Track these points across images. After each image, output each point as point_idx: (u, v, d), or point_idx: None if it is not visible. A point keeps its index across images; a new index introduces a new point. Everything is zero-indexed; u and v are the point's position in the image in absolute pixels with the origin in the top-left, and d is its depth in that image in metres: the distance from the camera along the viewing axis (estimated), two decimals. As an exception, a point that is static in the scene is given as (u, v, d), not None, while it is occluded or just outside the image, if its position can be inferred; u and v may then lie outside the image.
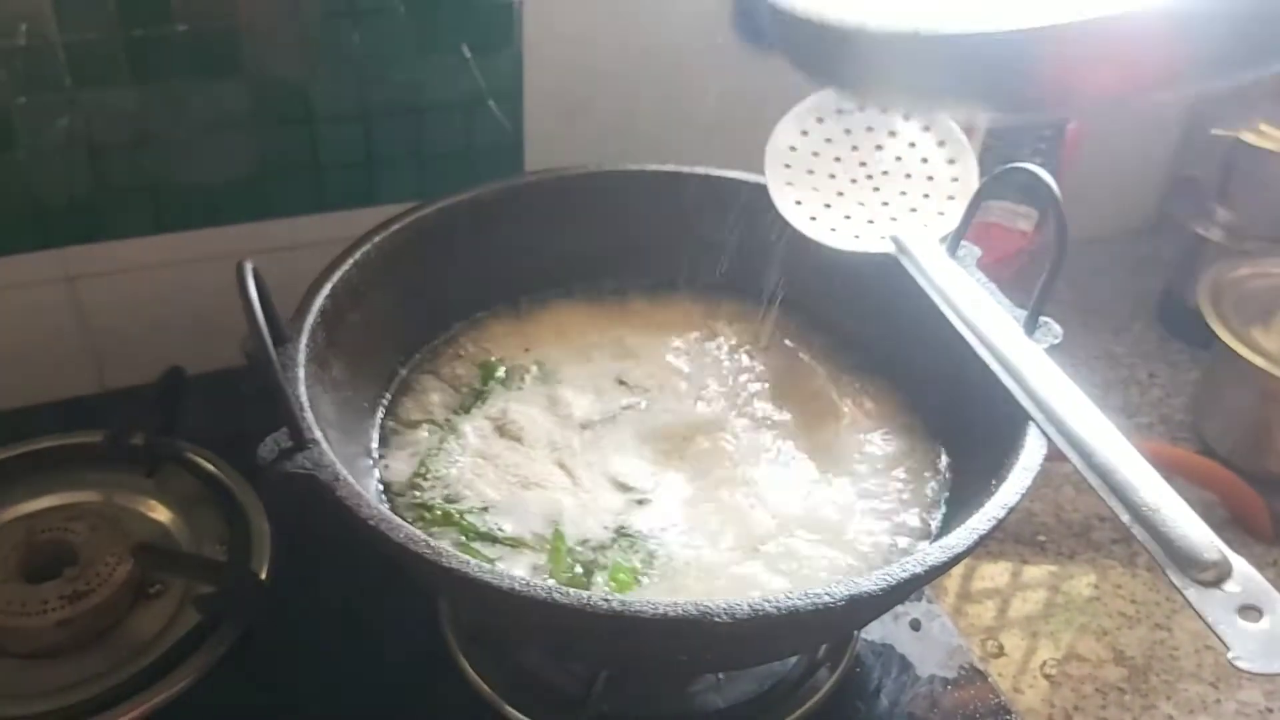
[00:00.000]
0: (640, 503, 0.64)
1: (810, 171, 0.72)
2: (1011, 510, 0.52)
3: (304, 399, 0.57)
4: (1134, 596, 0.82)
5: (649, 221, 0.78)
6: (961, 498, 0.62)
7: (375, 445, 0.67)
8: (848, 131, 0.73)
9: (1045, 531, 0.88)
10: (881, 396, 0.73)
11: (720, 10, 0.93)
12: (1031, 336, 0.61)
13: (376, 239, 0.70)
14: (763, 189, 0.72)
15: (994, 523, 0.51)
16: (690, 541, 0.61)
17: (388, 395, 0.71)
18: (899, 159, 0.72)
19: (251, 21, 0.79)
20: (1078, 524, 0.89)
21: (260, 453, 0.52)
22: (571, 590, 0.47)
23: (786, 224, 0.71)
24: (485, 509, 0.63)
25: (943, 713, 0.68)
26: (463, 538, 0.61)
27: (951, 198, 0.70)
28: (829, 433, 0.70)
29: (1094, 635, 0.79)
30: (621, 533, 0.62)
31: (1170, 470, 0.52)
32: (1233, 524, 0.88)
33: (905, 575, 0.49)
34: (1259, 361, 0.87)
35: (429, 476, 0.65)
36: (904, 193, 0.71)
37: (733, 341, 0.77)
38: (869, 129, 0.73)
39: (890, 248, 0.69)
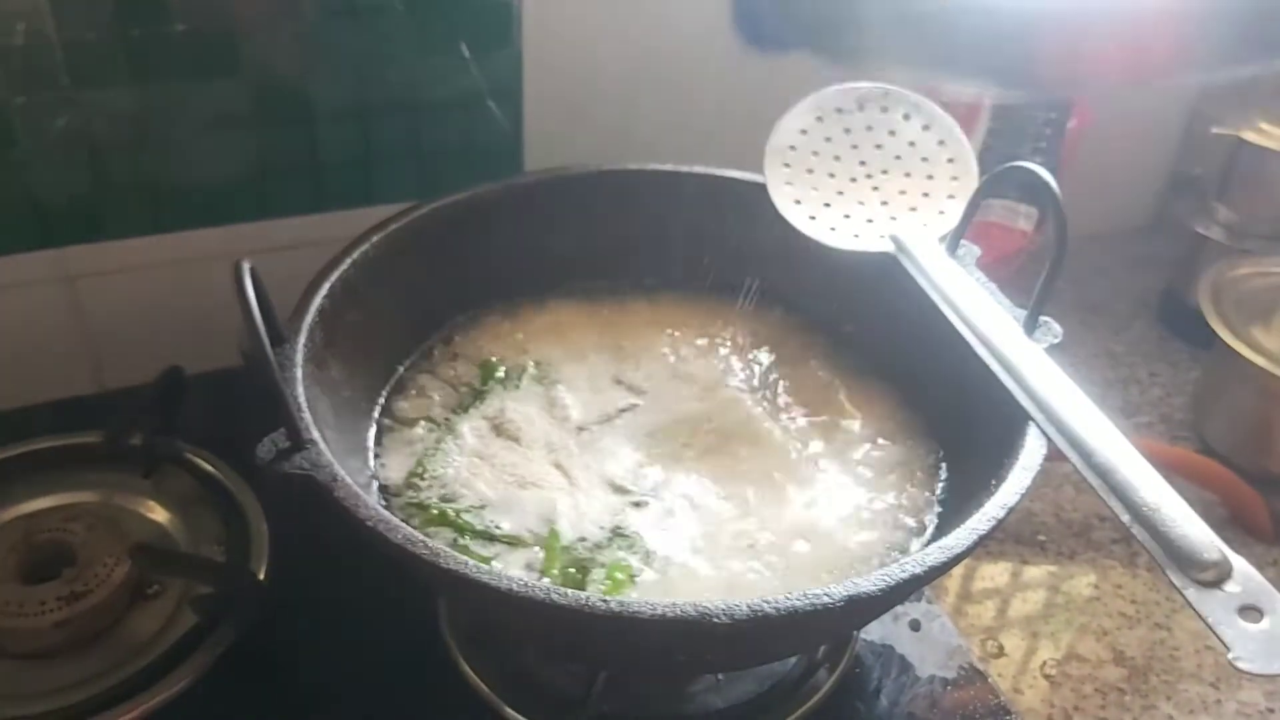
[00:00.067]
0: (637, 504, 0.64)
1: (810, 171, 0.72)
2: (1011, 510, 0.52)
3: (302, 399, 0.57)
4: (1134, 596, 0.82)
5: (648, 221, 0.78)
6: (961, 498, 0.62)
7: (373, 445, 0.67)
8: (847, 131, 0.73)
9: (1045, 531, 0.88)
10: (881, 396, 0.72)
11: (720, 10, 0.93)
12: (1031, 336, 0.60)
13: (375, 239, 0.70)
14: (762, 188, 0.72)
15: (994, 523, 0.51)
16: (687, 542, 0.61)
17: (385, 395, 0.71)
18: (898, 158, 0.72)
19: (250, 21, 0.79)
20: (1078, 524, 0.88)
21: (258, 453, 0.52)
22: (570, 591, 0.47)
23: (786, 223, 0.71)
24: (482, 507, 0.63)
25: (942, 713, 0.68)
26: (459, 537, 0.61)
27: (951, 197, 0.70)
28: (827, 432, 0.70)
29: (1094, 635, 0.79)
30: (618, 533, 0.62)
31: (1170, 470, 0.52)
32: (1233, 524, 0.88)
33: (904, 576, 0.49)
34: (1259, 361, 0.87)
35: (426, 476, 0.65)
36: (903, 192, 0.71)
37: (731, 342, 0.77)
38: (869, 128, 0.73)
39: (890, 247, 0.69)
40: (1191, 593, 0.46)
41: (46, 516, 0.73)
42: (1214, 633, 0.44)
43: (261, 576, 0.71)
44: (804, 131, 0.73)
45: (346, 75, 0.84)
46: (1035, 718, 0.73)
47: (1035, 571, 0.85)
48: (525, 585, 0.47)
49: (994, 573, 0.85)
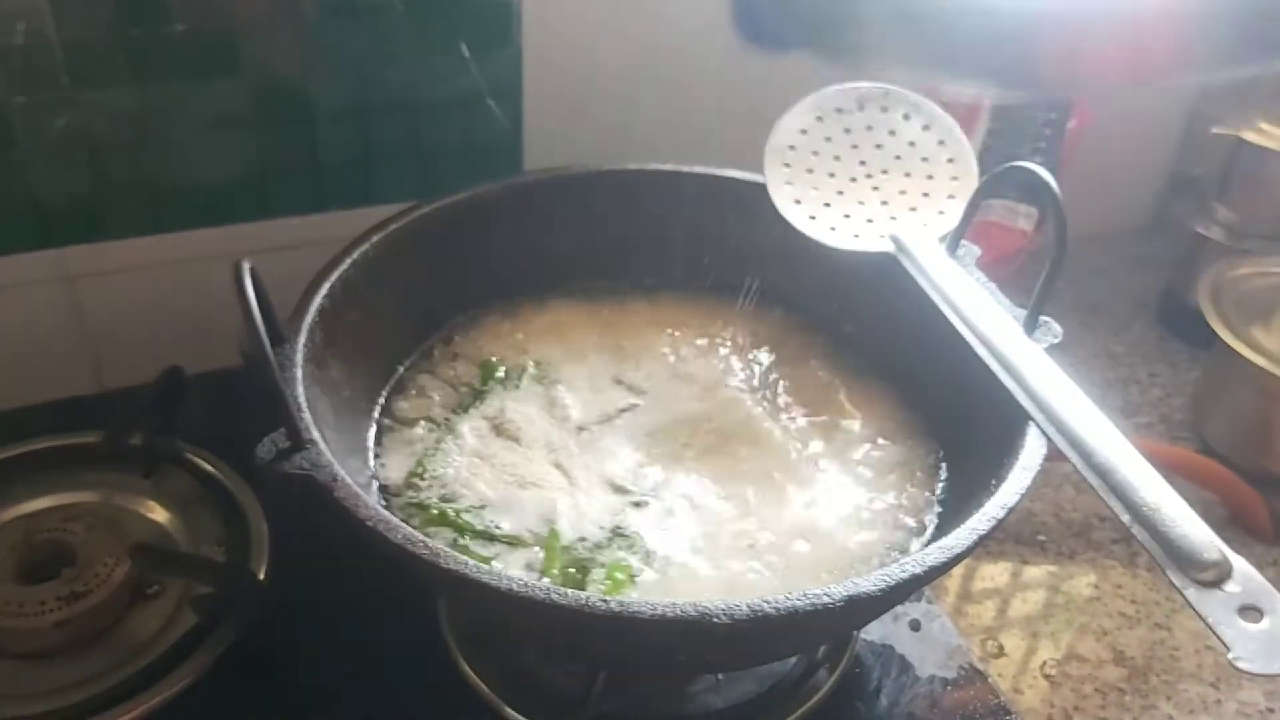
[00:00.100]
0: (637, 504, 0.64)
1: (810, 170, 0.72)
2: (1011, 510, 0.52)
3: (301, 399, 0.57)
4: (1134, 596, 0.82)
5: (648, 221, 0.78)
6: (961, 498, 0.62)
7: (373, 445, 0.67)
8: (847, 131, 0.73)
9: (1045, 531, 0.88)
10: (881, 396, 0.72)
11: (719, 10, 0.93)
12: (1031, 336, 0.60)
13: (375, 239, 0.70)
14: (762, 188, 0.72)
15: (994, 523, 0.51)
16: (687, 542, 0.61)
17: (385, 395, 0.71)
18: (898, 158, 0.72)
19: (250, 21, 0.79)
20: (1078, 524, 0.88)
21: (258, 453, 0.52)
22: (570, 591, 0.47)
23: (786, 223, 0.71)
24: (482, 507, 0.63)
25: (942, 713, 0.68)
26: (459, 537, 0.61)
27: (951, 197, 0.70)
28: (827, 432, 0.70)
29: (1094, 635, 0.79)
30: (618, 533, 0.62)
31: (1170, 470, 0.52)
32: (1233, 524, 0.88)
33: (904, 576, 0.49)
34: (1259, 361, 0.87)
35: (426, 476, 0.65)
36: (903, 192, 0.71)
37: (731, 342, 0.77)
38: (868, 128, 0.73)
39: (889, 247, 0.69)
40: (1191, 593, 0.45)
41: (46, 516, 0.73)
42: (1214, 633, 0.44)
43: (261, 576, 0.71)
44: (804, 131, 0.73)
45: (346, 75, 0.83)
46: (1035, 718, 0.73)
47: (1035, 571, 0.85)
48: (525, 585, 0.47)
49: (994, 573, 0.85)
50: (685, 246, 0.79)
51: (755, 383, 0.73)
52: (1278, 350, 0.88)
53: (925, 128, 0.72)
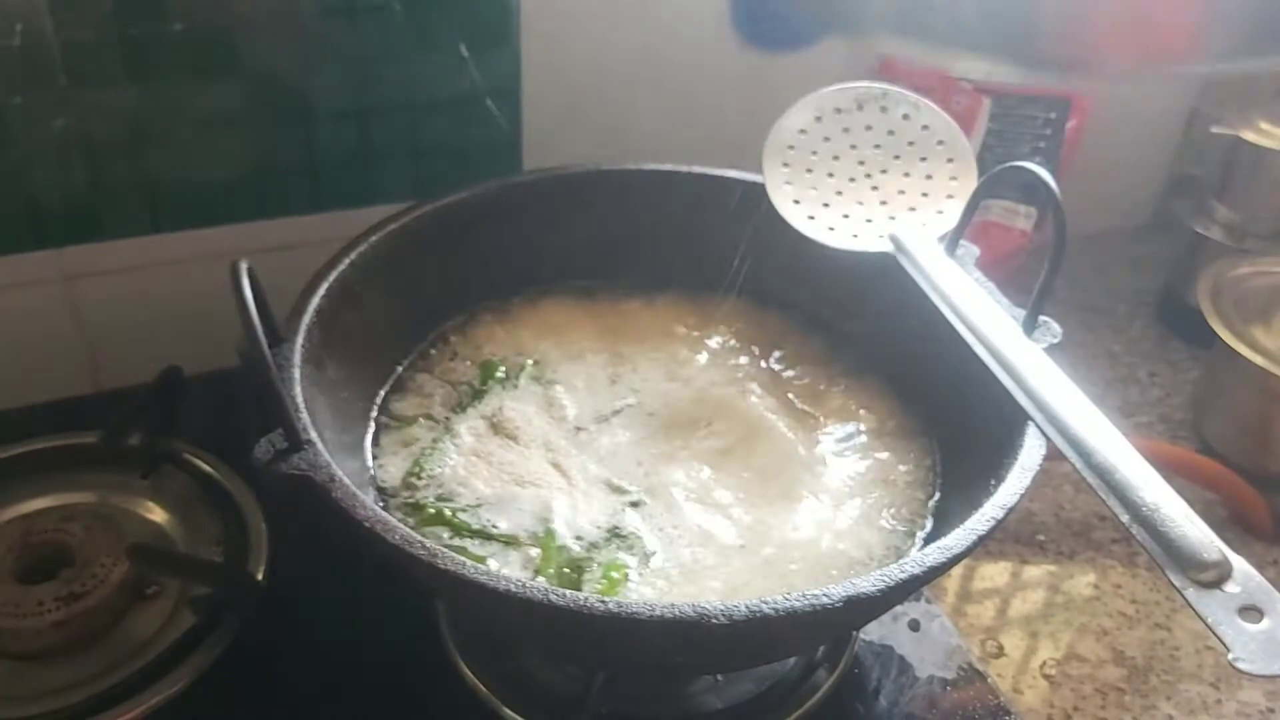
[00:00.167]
0: (634, 504, 0.64)
1: (808, 170, 0.72)
2: (1010, 511, 0.52)
3: (299, 399, 0.57)
4: (1134, 596, 0.82)
5: (646, 220, 0.78)
6: (960, 498, 0.62)
7: (371, 445, 0.67)
8: (846, 130, 0.73)
9: (1045, 531, 0.88)
10: (880, 396, 0.72)
11: (719, 10, 0.93)
12: (1031, 336, 0.60)
13: (373, 238, 0.69)
14: (761, 188, 0.72)
15: (993, 523, 0.51)
16: (684, 541, 0.61)
17: (383, 395, 0.71)
18: (897, 158, 0.72)
19: (248, 20, 0.79)
20: (1077, 523, 0.88)
21: (255, 454, 0.52)
22: (567, 592, 0.46)
23: (785, 223, 0.71)
24: (479, 506, 0.63)
25: (942, 713, 0.68)
26: (455, 536, 0.61)
27: (950, 196, 0.70)
28: (826, 431, 0.70)
29: (1094, 635, 0.79)
30: (615, 533, 0.62)
31: (1170, 469, 0.52)
32: (1233, 523, 0.88)
33: (903, 576, 0.48)
34: (1259, 360, 0.86)
35: (423, 475, 0.65)
36: (902, 191, 0.71)
37: (729, 342, 0.77)
38: (867, 128, 0.73)
39: (888, 247, 0.68)
40: (1191, 593, 0.45)
41: (44, 517, 0.73)
42: (1214, 633, 0.44)
43: (260, 577, 0.71)
44: (803, 131, 0.73)
45: (344, 75, 0.83)
46: (1035, 718, 0.73)
47: (1035, 571, 0.85)
48: (523, 586, 0.47)
49: (993, 572, 0.85)
50: (683, 246, 0.79)
51: (752, 383, 0.73)
52: (1278, 350, 0.88)
53: (924, 127, 0.72)
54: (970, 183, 0.69)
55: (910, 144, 0.72)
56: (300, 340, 0.61)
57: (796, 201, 0.71)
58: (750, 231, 0.75)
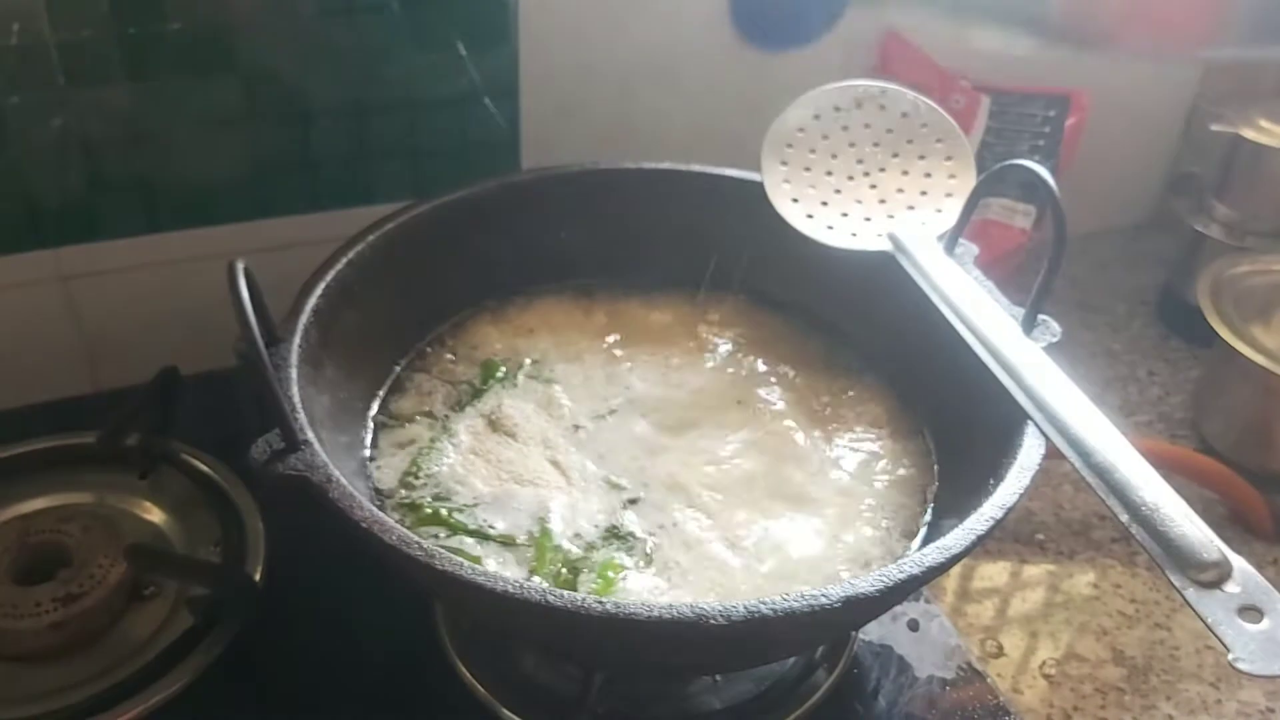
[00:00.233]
0: (633, 501, 0.64)
1: (807, 169, 0.72)
2: (1009, 511, 0.52)
3: (296, 400, 0.56)
4: (1134, 596, 0.82)
5: (645, 219, 0.78)
6: (959, 498, 0.62)
7: (369, 445, 0.67)
8: (845, 128, 0.73)
9: (1044, 530, 0.88)
10: (878, 395, 0.72)
11: (718, 8, 0.93)
12: (1030, 334, 0.60)
13: (370, 238, 0.69)
14: (759, 187, 0.72)
15: (992, 523, 0.51)
16: (682, 540, 0.61)
17: (381, 394, 0.70)
18: (896, 156, 0.72)
19: (245, 19, 0.78)
20: (1077, 523, 0.88)
21: (252, 454, 0.52)
22: (565, 593, 0.46)
23: (783, 222, 0.70)
24: (475, 506, 0.63)
25: (941, 713, 0.68)
26: (452, 536, 0.61)
27: (949, 195, 0.70)
28: (824, 431, 0.70)
29: (1093, 635, 0.79)
30: (613, 532, 0.62)
31: (1169, 468, 0.51)
32: (1233, 522, 0.88)
33: (902, 576, 0.48)
34: (1259, 359, 0.86)
35: (420, 475, 0.64)
36: (901, 190, 0.71)
37: (727, 341, 0.76)
38: (866, 126, 0.73)
39: (887, 245, 0.68)
40: (1191, 593, 0.45)
41: (42, 517, 0.73)
42: (1214, 634, 0.44)
43: (257, 578, 0.71)
44: (801, 129, 0.73)
45: (342, 74, 0.83)
46: (1035, 718, 0.73)
47: (1034, 571, 0.85)
48: (520, 586, 0.47)
49: (993, 572, 0.84)
50: (682, 245, 0.79)
51: (751, 382, 0.73)
52: (1277, 348, 0.88)
53: (923, 126, 0.72)
54: (969, 181, 0.69)
55: (909, 142, 0.72)
56: (297, 340, 0.61)
57: (795, 200, 0.71)
58: (748, 230, 0.75)
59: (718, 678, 0.68)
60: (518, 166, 0.92)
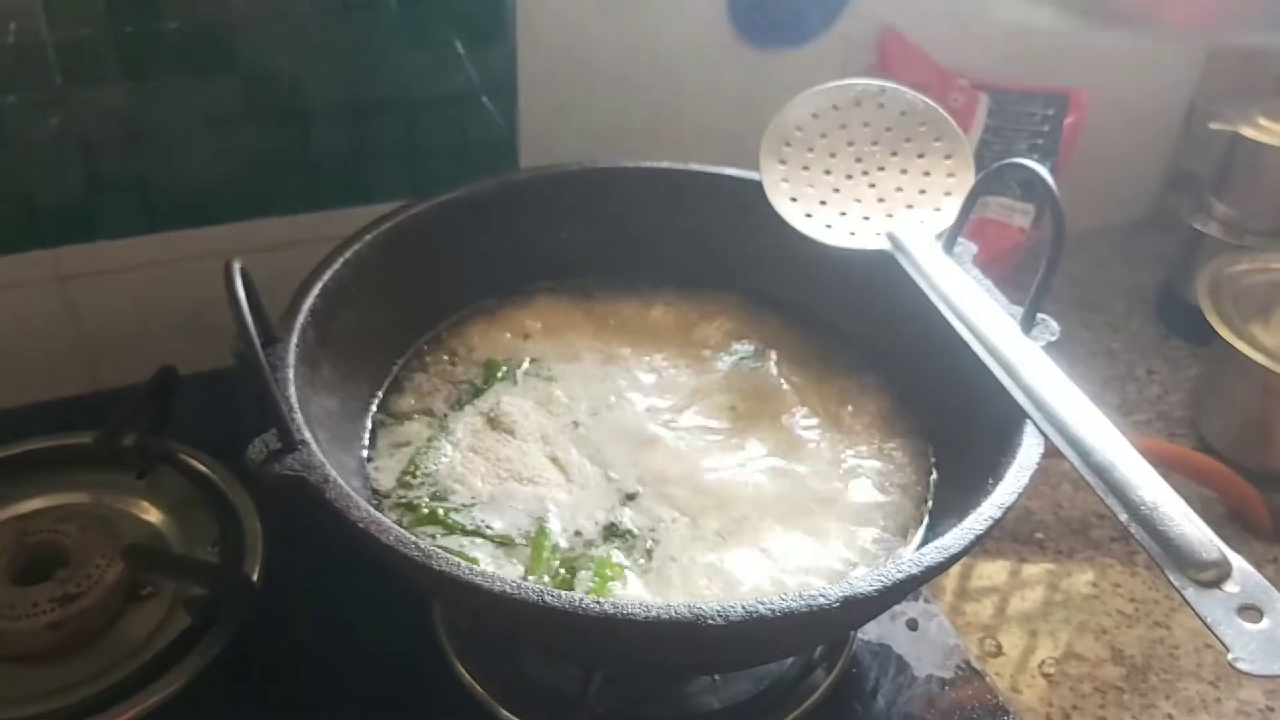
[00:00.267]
0: (630, 497, 0.64)
1: (805, 168, 0.72)
2: (1008, 510, 0.52)
3: (294, 400, 0.56)
4: (1133, 595, 0.82)
5: (643, 218, 0.78)
6: (958, 497, 0.62)
7: (366, 445, 0.67)
8: (843, 127, 0.73)
9: (1043, 529, 0.87)
10: (877, 394, 0.72)
11: (716, 6, 0.93)
12: (1028, 333, 0.60)
13: (368, 237, 0.69)
14: (758, 185, 0.71)
15: (990, 523, 0.51)
16: (681, 539, 0.61)
17: (379, 394, 0.70)
18: (895, 155, 0.72)
19: (242, 18, 0.78)
20: (1076, 522, 0.88)
21: (249, 454, 0.52)
22: (562, 593, 0.46)
23: (781, 221, 0.70)
24: (474, 505, 0.62)
25: (940, 713, 0.67)
26: (450, 536, 0.61)
27: (948, 193, 0.70)
28: (823, 430, 0.69)
29: (1093, 634, 0.79)
30: (611, 530, 0.61)
31: (1168, 467, 0.51)
32: (1232, 521, 0.88)
33: (901, 576, 0.48)
34: (1258, 358, 0.86)
35: (418, 474, 0.64)
36: (900, 189, 0.71)
37: (725, 339, 0.76)
38: (865, 125, 0.72)
39: (886, 244, 0.68)
40: (1190, 593, 0.45)
41: (39, 517, 0.73)
42: (1213, 633, 0.44)
43: (255, 578, 0.71)
44: (799, 128, 0.72)
45: (340, 72, 0.83)
46: (1034, 717, 0.73)
47: (1033, 570, 0.84)
48: (518, 587, 0.47)
49: (992, 571, 0.84)
50: (680, 244, 0.78)
51: (749, 380, 0.73)
52: (1276, 347, 0.88)
53: (922, 124, 0.72)
54: (968, 179, 0.69)
55: (907, 141, 0.72)
56: (294, 340, 0.60)
57: (793, 199, 0.71)
58: (747, 229, 0.75)
59: (716, 677, 0.67)
60: (516, 165, 0.91)
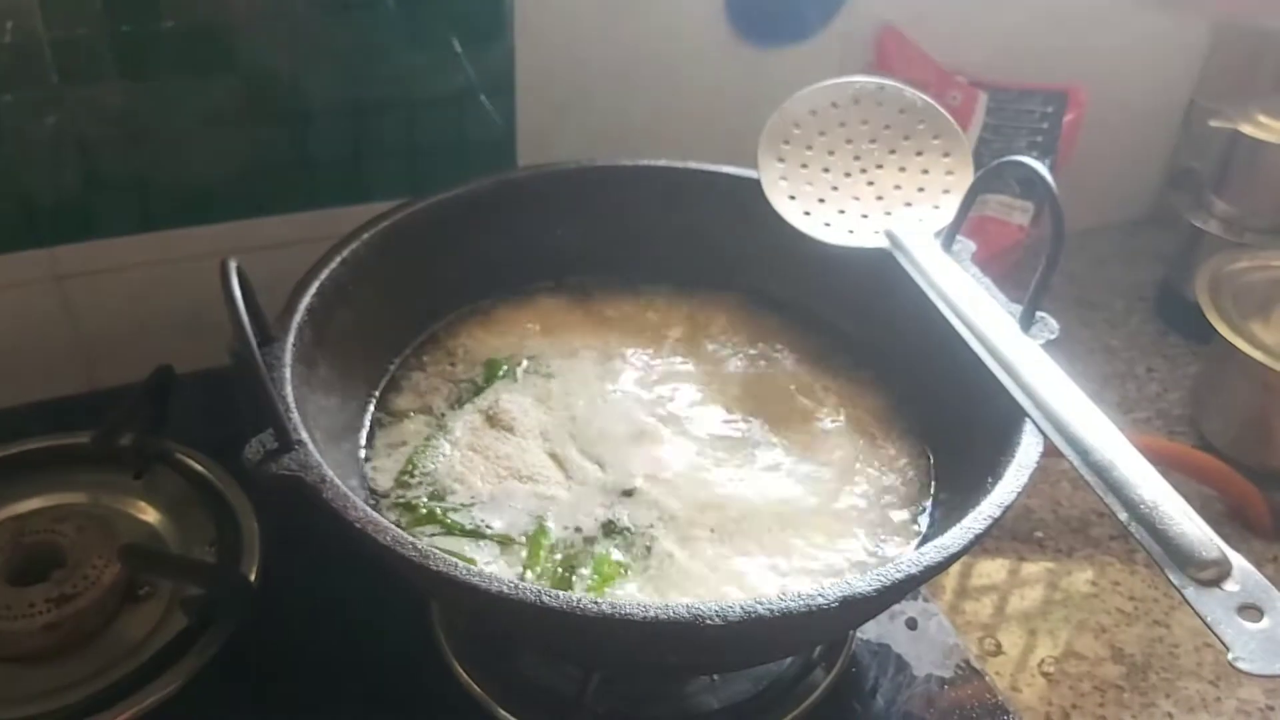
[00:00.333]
0: (629, 493, 0.63)
1: (804, 166, 0.72)
2: (1007, 509, 0.52)
3: (290, 399, 0.56)
4: (1132, 593, 0.82)
5: (642, 217, 0.78)
6: (957, 496, 0.62)
7: (364, 444, 0.67)
8: (841, 125, 0.72)
9: (1043, 528, 0.87)
10: (876, 393, 0.72)
11: (714, 4, 0.92)
12: (1027, 332, 0.60)
13: (365, 236, 0.69)
14: (756, 184, 0.71)
15: (990, 522, 0.51)
16: (680, 537, 0.61)
17: (377, 393, 0.70)
18: (893, 153, 0.71)
19: (240, 17, 0.78)
20: (1075, 520, 0.88)
21: (246, 454, 0.52)
22: (560, 593, 0.46)
23: (780, 219, 0.70)
24: (471, 505, 0.62)
25: (939, 712, 0.67)
26: (448, 535, 0.60)
27: (946, 191, 0.69)
28: (821, 429, 0.69)
29: (1092, 632, 0.79)
30: (610, 528, 0.61)
31: (1168, 465, 0.51)
32: (1231, 519, 0.87)
33: (900, 576, 0.48)
34: (1258, 355, 0.86)
35: (416, 474, 0.64)
36: (899, 187, 0.71)
37: (723, 338, 0.76)
38: (864, 123, 0.72)
39: (884, 243, 0.68)
40: (1190, 592, 0.45)
41: (36, 518, 0.72)
42: (1213, 632, 0.43)
43: (252, 578, 0.70)
44: (798, 126, 0.72)
45: (337, 71, 0.83)
46: (1033, 716, 0.73)
47: (1033, 568, 0.84)
48: (515, 587, 0.46)
49: (991, 570, 0.84)
50: (678, 242, 0.78)
51: (748, 379, 0.73)
52: (1276, 344, 0.88)
53: (921, 122, 0.71)
54: (966, 177, 0.69)
55: (906, 139, 0.71)
56: (291, 339, 0.60)
57: (792, 197, 0.71)
58: (745, 228, 0.74)
59: (715, 677, 0.67)
60: (514, 164, 0.91)
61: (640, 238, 0.79)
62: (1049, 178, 0.57)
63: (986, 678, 0.69)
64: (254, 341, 0.52)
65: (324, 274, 0.65)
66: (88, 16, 0.75)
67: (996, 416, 0.57)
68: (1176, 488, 0.49)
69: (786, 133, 0.72)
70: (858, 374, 0.73)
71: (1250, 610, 0.44)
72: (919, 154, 0.71)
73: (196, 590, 0.69)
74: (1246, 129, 1.00)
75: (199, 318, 0.72)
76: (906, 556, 0.49)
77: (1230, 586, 0.45)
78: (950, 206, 0.68)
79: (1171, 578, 0.46)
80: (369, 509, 0.50)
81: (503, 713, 0.65)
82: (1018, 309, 0.61)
